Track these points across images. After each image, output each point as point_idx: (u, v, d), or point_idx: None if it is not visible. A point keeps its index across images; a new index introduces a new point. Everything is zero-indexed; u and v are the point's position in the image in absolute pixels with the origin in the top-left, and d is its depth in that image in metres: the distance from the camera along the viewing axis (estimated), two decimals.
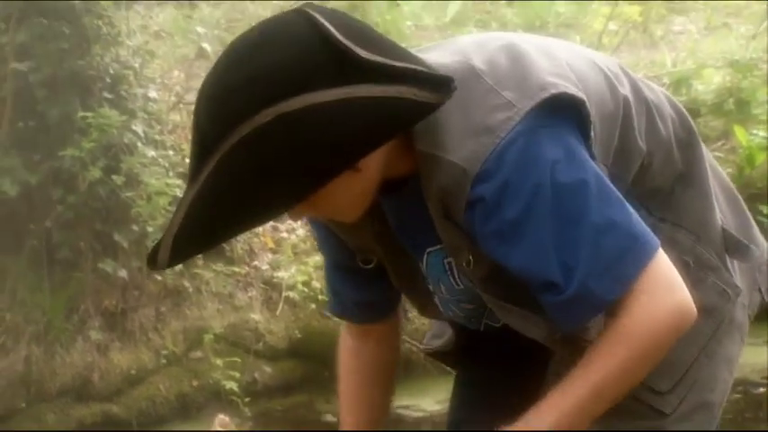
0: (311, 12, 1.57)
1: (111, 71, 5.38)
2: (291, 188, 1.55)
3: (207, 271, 5.40)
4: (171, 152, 5.62)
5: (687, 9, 8.15)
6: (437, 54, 1.75)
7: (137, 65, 5.56)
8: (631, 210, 1.67)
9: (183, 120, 6.12)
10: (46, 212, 5.25)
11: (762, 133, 6.09)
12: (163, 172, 5.35)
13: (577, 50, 1.88)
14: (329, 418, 5.18)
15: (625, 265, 1.64)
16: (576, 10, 8.23)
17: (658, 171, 1.86)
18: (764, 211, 5.81)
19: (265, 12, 7.63)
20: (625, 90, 1.82)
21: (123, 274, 5.25)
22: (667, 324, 1.66)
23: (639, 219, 1.68)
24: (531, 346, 1.86)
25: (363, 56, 1.54)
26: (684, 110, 1.96)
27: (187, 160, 5.60)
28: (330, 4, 6.35)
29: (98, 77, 5.33)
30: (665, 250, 1.78)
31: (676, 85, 6.40)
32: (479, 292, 1.81)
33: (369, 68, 1.54)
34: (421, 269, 1.88)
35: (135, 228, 5.26)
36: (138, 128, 5.37)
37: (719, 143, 6.20)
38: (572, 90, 1.68)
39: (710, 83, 6.46)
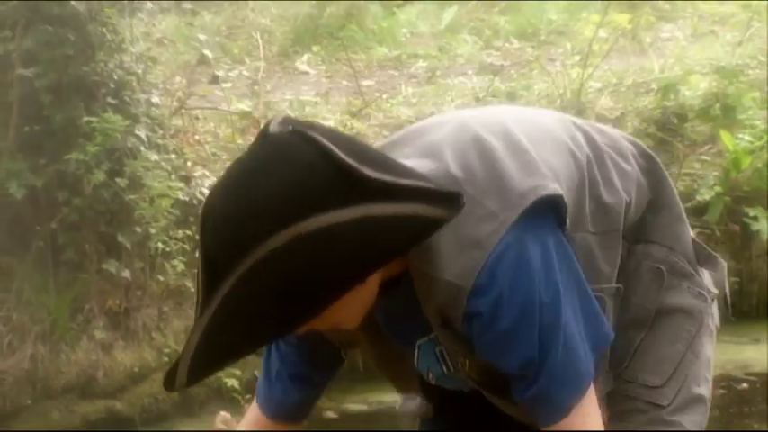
0: (308, 132, 1.58)
1: (115, 77, 5.40)
2: (306, 306, 1.55)
3: None
4: (173, 156, 5.64)
5: (675, 17, 8.23)
6: (408, 151, 1.78)
7: (140, 71, 5.58)
8: (592, 308, 1.78)
9: (184, 124, 6.15)
10: (51, 214, 5.27)
11: (747, 138, 6.14)
12: (165, 175, 5.38)
13: (538, 125, 1.89)
14: (330, 414, 5.25)
15: (576, 384, 1.75)
16: (567, 17, 8.31)
17: (635, 205, 1.93)
18: (750, 214, 5.91)
19: (265, 20, 7.72)
20: (584, 151, 1.87)
21: (127, 274, 5.27)
22: None
23: (595, 322, 1.78)
24: None
25: (371, 175, 1.56)
26: (636, 140, 2.04)
27: (189, 164, 5.69)
28: (328, 10, 6.46)
29: (102, 83, 5.34)
30: (639, 264, 1.93)
31: (664, 90, 6.47)
32: (475, 386, 1.87)
33: (379, 187, 1.56)
34: (405, 356, 1.90)
35: (138, 229, 5.29)
36: (141, 132, 5.39)
37: (706, 147, 6.28)
38: (549, 189, 1.73)
39: (697, 88, 6.51)
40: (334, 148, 1.56)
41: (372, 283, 1.66)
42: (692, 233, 2.02)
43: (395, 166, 1.62)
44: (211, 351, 1.59)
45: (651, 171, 1.98)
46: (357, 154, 1.58)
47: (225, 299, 1.55)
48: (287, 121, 1.61)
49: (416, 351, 1.88)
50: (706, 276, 2.01)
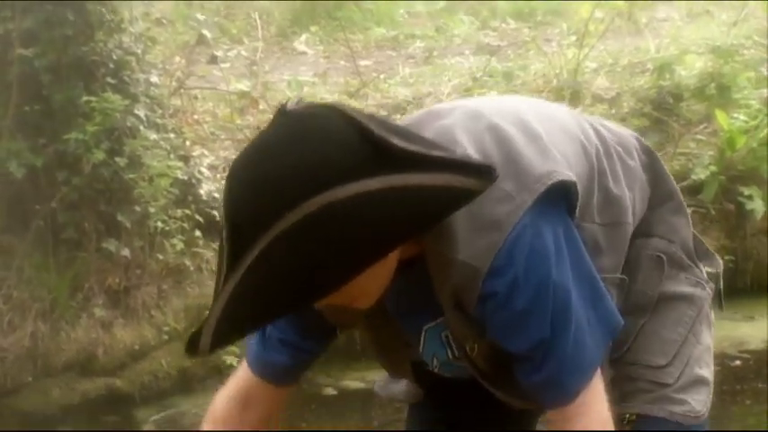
0: (340, 107, 1.58)
1: (115, 57, 5.38)
2: (335, 275, 1.53)
3: (207, 250, 5.45)
4: (172, 135, 5.65)
5: None
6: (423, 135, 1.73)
7: (139, 51, 5.57)
8: (600, 295, 1.79)
9: (183, 104, 6.17)
10: (51, 194, 5.27)
11: (742, 117, 6.15)
12: (164, 154, 5.39)
13: (550, 115, 1.91)
14: (329, 391, 5.28)
15: (583, 371, 1.76)
16: None
17: (639, 201, 1.96)
18: (744, 193, 5.95)
19: (263, 0, 7.74)
20: (593, 143, 1.89)
21: (126, 253, 5.28)
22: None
23: (603, 314, 1.79)
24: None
25: (403, 146, 1.55)
26: (638, 135, 2.07)
27: (188, 143, 5.71)
28: None
29: (101, 63, 5.33)
30: (638, 254, 1.95)
31: (660, 70, 6.49)
32: (474, 374, 1.88)
33: (411, 158, 1.55)
34: (406, 340, 1.91)
35: (137, 208, 5.29)
36: (141, 112, 5.38)
37: (701, 126, 6.30)
38: (563, 175, 1.73)
39: (693, 68, 6.53)
40: (363, 119, 1.56)
41: (392, 260, 1.66)
42: (691, 228, 2.04)
43: (423, 140, 1.63)
44: (237, 317, 1.57)
45: (651, 166, 2.01)
46: (385, 127, 1.58)
47: (254, 263, 1.53)
48: (304, 101, 1.61)
49: (422, 336, 1.88)
50: (704, 271, 2.03)
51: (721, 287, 2.08)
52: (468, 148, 1.73)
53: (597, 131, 1.94)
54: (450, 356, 1.88)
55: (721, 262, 2.10)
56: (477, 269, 1.68)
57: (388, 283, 1.70)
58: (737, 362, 5.30)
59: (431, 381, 2.06)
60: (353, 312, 1.75)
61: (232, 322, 1.57)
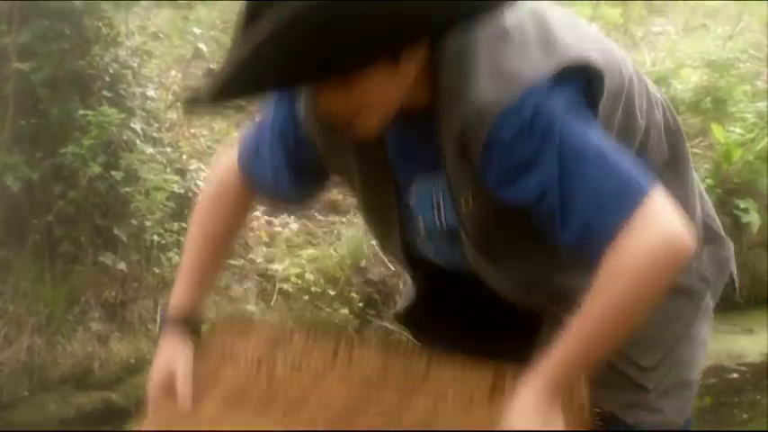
0: None
1: (111, 71, 5.40)
2: (346, 52, 1.59)
3: None
4: (168, 149, 5.65)
5: (666, 10, 8.26)
6: None
7: (135, 64, 5.58)
8: (629, 156, 1.75)
9: (180, 118, 6.13)
10: (47, 207, 5.27)
11: (738, 130, 6.19)
12: (161, 168, 5.39)
13: (597, 34, 1.94)
14: None
15: (620, 201, 1.66)
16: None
17: (652, 151, 1.93)
18: (740, 206, 5.96)
19: None
20: (629, 71, 1.90)
21: (123, 266, 5.28)
22: (658, 254, 1.66)
23: (637, 162, 1.74)
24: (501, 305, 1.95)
25: None
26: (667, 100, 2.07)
27: (184, 157, 5.67)
28: None
29: (98, 77, 5.35)
30: None
31: (656, 83, 6.50)
32: (464, 238, 1.86)
33: None
34: (399, 203, 1.92)
35: (134, 222, 5.30)
36: (137, 125, 5.39)
37: (697, 140, 6.31)
38: (593, 61, 1.75)
39: (689, 82, 6.55)
40: None
41: (401, 82, 1.70)
42: (700, 211, 2.03)
43: None
44: (249, 74, 1.62)
45: (676, 132, 2.00)
46: None
47: (274, 25, 1.57)
48: None
49: (413, 187, 1.89)
50: (706, 255, 2.01)
51: (734, 269, 2.07)
52: (507, 20, 1.75)
53: (638, 73, 1.95)
54: (438, 223, 1.89)
55: (731, 244, 2.08)
56: (487, 113, 1.70)
57: (391, 113, 1.74)
58: (735, 375, 5.29)
59: (424, 271, 2.05)
60: (354, 133, 1.76)
61: (237, 79, 1.62)
